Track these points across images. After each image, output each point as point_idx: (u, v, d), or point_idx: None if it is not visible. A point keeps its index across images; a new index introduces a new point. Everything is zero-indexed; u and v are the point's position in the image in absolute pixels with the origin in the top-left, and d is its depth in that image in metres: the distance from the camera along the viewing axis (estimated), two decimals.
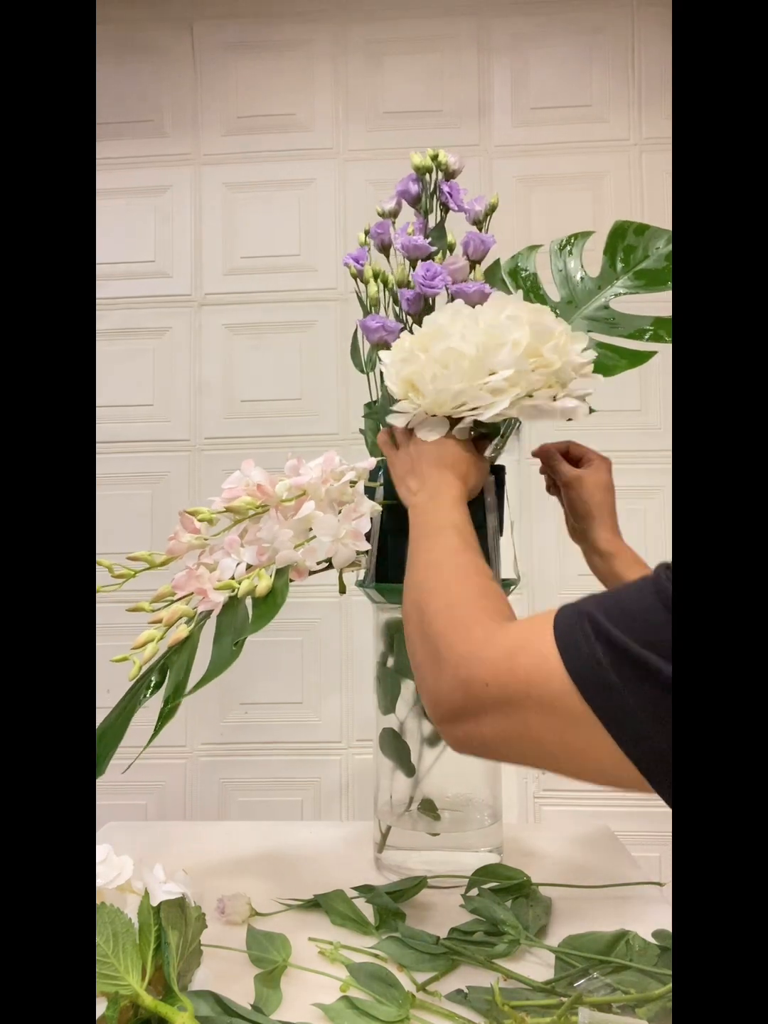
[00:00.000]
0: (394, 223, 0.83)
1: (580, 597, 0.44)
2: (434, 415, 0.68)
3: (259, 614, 0.64)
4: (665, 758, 0.37)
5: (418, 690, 0.54)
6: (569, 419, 0.69)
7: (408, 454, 0.70)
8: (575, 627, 0.42)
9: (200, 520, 0.69)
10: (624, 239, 0.81)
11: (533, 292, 0.82)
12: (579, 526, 0.77)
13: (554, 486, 0.80)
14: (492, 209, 0.81)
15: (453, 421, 0.68)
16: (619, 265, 0.81)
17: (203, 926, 0.59)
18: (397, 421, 0.71)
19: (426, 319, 0.71)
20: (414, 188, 0.82)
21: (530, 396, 0.67)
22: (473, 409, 0.66)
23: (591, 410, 0.70)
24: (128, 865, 0.57)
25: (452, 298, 0.78)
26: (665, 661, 0.37)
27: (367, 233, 0.82)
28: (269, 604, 0.64)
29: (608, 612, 0.41)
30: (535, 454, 0.80)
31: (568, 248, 0.83)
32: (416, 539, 0.62)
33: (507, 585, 0.78)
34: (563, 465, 0.77)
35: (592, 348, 0.73)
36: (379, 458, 0.79)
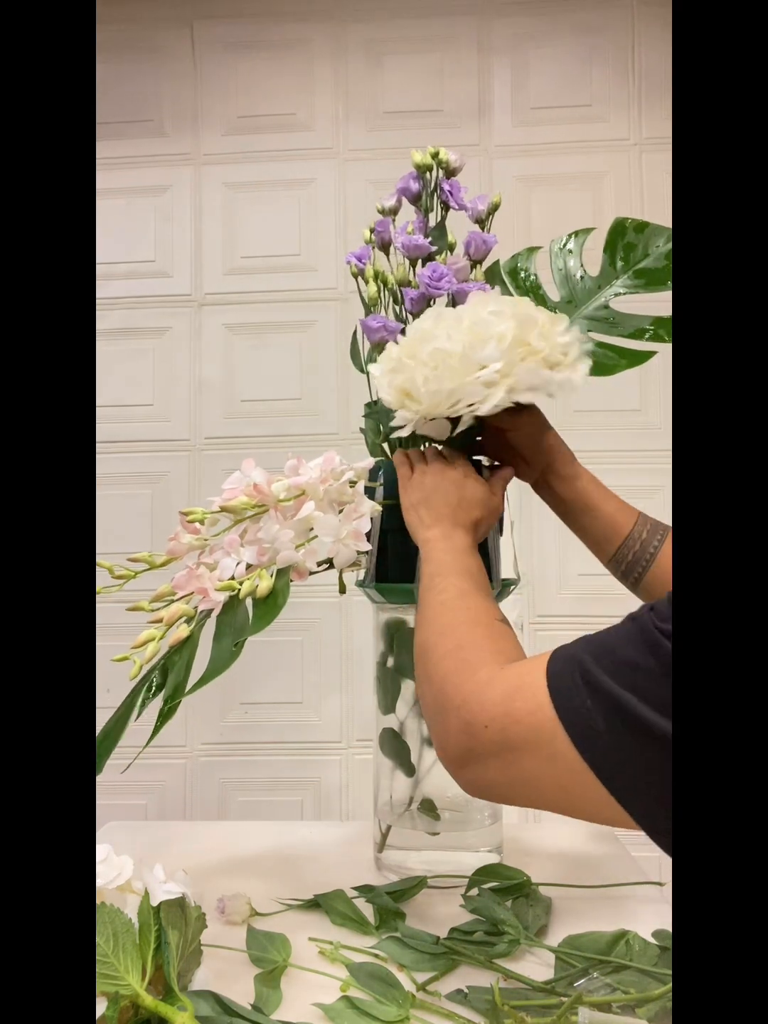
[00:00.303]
0: (394, 221, 0.83)
1: (575, 639, 0.45)
2: (433, 418, 0.68)
3: (260, 615, 0.64)
4: (655, 804, 0.37)
5: (429, 734, 0.54)
6: (567, 392, 0.68)
7: (424, 484, 0.68)
8: (566, 672, 0.42)
9: (191, 520, 0.69)
10: (624, 237, 0.81)
11: (533, 292, 0.82)
12: (535, 467, 0.75)
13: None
14: (495, 208, 0.81)
15: (454, 422, 0.68)
16: (619, 263, 0.81)
17: (203, 926, 0.59)
18: (401, 431, 0.71)
19: (410, 327, 0.71)
20: (414, 186, 0.82)
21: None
22: (470, 405, 0.66)
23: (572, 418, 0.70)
24: (128, 865, 0.58)
25: (452, 298, 0.78)
26: (648, 707, 0.37)
27: (372, 231, 0.82)
28: (270, 605, 0.64)
29: (597, 657, 0.41)
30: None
31: (568, 247, 0.83)
32: (428, 579, 0.61)
33: (507, 585, 0.78)
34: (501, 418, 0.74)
35: (591, 345, 0.73)
36: (379, 458, 0.79)
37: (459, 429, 0.69)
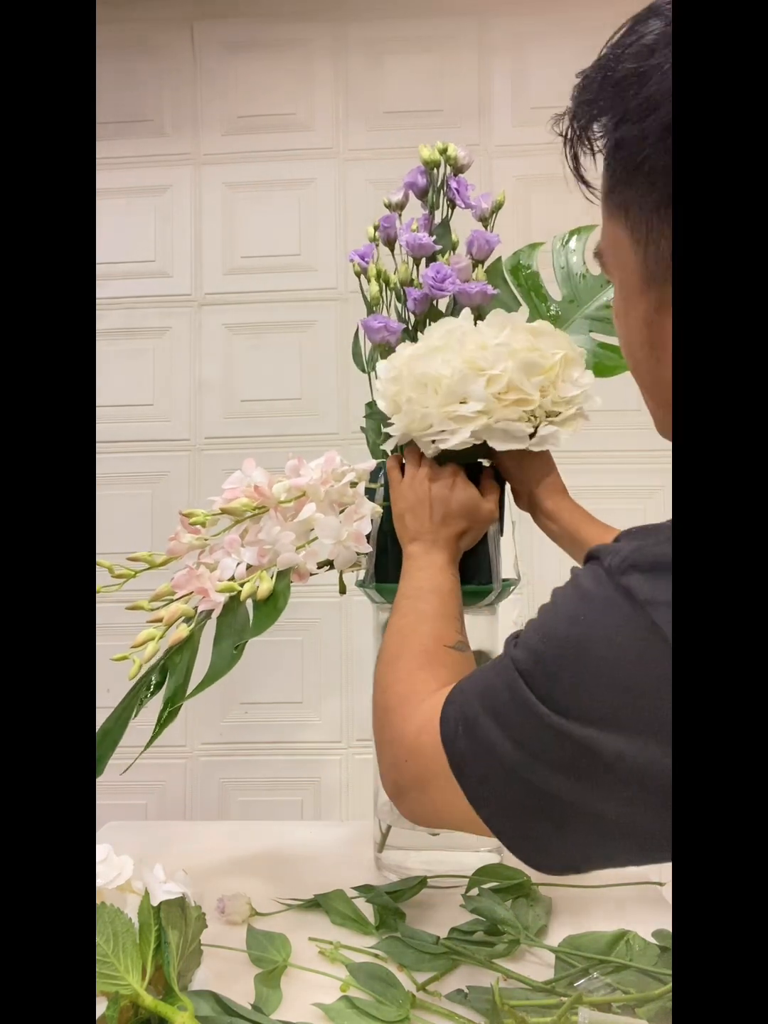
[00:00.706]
0: (401, 216, 0.82)
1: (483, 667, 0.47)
2: (411, 435, 0.68)
3: (260, 617, 0.63)
4: (501, 809, 0.42)
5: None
6: (547, 447, 0.69)
7: (413, 490, 0.68)
8: (450, 706, 0.46)
9: (194, 522, 0.69)
10: None
11: (534, 290, 0.82)
12: (520, 494, 0.75)
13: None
14: (498, 207, 0.81)
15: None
16: None
17: (203, 926, 0.59)
18: (387, 443, 0.71)
19: (423, 335, 0.71)
20: (422, 181, 0.82)
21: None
22: (440, 432, 0.66)
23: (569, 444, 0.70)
24: (128, 865, 0.58)
25: (454, 298, 0.78)
26: (496, 726, 0.41)
27: (376, 229, 0.82)
28: (270, 607, 0.64)
29: (477, 689, 0.45)
30: None
31: (570, 245, 0.83)
32: (399, 597, 0.63)
33: (507, 585, 0.78)
34: None
35: (593, 350, 0.73)
36: (379, 459, 0.79)
37: (430, 455, 0.69)
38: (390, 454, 0.76)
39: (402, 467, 0.72)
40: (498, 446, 0.67)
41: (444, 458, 0.70)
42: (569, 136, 0.47)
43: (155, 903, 0.54)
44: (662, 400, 0.47)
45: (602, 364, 0.75)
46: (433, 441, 0.67)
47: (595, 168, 0.47)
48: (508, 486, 0.76)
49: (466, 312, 0.72)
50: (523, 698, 0.40)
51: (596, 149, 0.46)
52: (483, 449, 0.70)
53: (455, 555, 0.66)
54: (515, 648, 0.43)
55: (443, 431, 0.65)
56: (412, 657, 0.56)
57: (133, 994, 0.50)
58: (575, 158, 0.47)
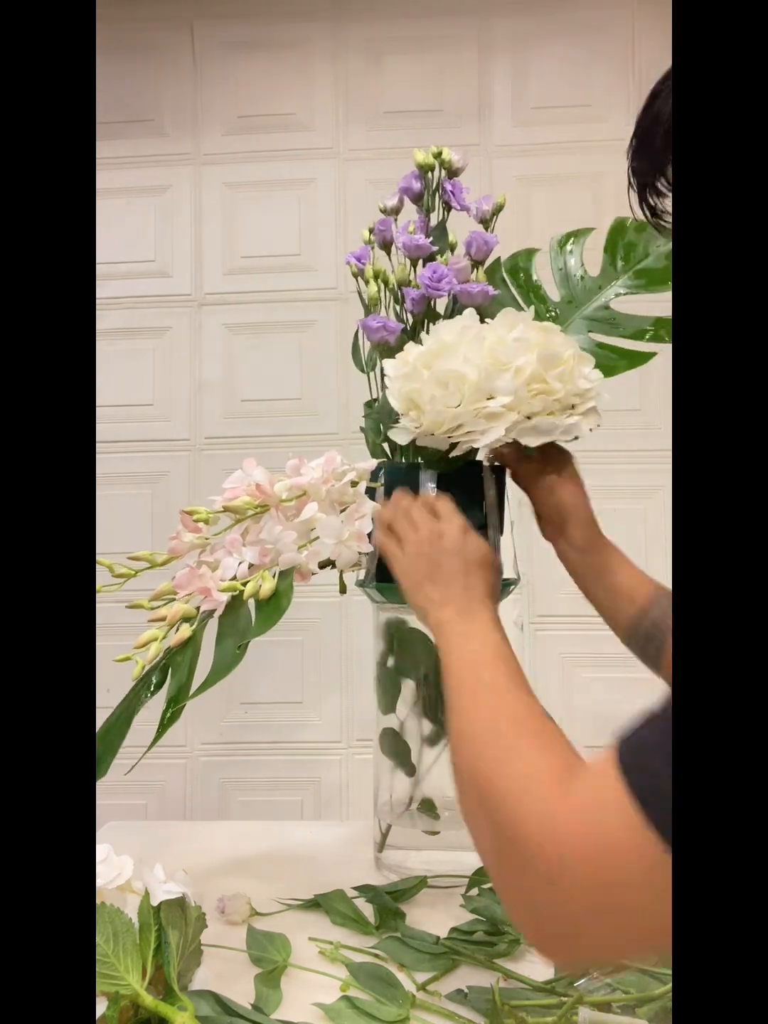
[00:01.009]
0: (396, 220, 0.83)
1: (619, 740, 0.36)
2: (433, 433, 0.68)
3: (263, 617, 0.64)
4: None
5: (502, 895, 0.42)
6: (574, 437, 0.68)
7: (422, 554, 0.60)
8: (641, 760, 0.34)
9: (197, 520, 0.69)
10: (624, 236, 0.81)
11: (533, 292, 0.82)
12: (552, 527, 0.71)
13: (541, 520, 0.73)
14: (499, 209, 0.81)
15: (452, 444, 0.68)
16: (619, 263, 0.80)
17: (203, 925, 0.59)
18: (399, 438, 0.70)
19: (433, 330, 0.71)
20: (416, 185, 0.82)
21: (529, 418, 0.66)
22: (468, 433, 0.66)
23: (589, 432, 0.70)
24: (128, 865, 0.58)
25: (454, 298, 0.78)
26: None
27: (371, 231, 0.82)
28: (273, 607, 0.64)
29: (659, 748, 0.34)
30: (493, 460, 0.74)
31: (568, 246, 0.83)
32: (456, 675, 0.51)
33: (507, 585, 0.78)
34: (521, 466, 0.71)
35: (592, 351, 0.72)
36: (380, 459, 0.79)
37: (455, 453, 0.69)
38: (375, 521, 0.69)
39: (397, 540, 0.64)
40: (530, 442, 0.66)
41: (453, 463, 0.70)
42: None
43: (155, 903, 0.54)
44: None
45: (602, 364, 0.75)
46: (459, 441, 0.67)
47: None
48: (533, 510, 0.73)
49: (471, 311, 0.72)
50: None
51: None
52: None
53: (495, 605, 0.57)
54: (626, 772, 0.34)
55: (472, 431, 0.65)
56: (512, 736, 0.44)
57: (133, 994, 0.50)
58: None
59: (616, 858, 0.33)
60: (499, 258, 0.84)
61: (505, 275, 0.83)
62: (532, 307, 0.79)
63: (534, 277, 0.83)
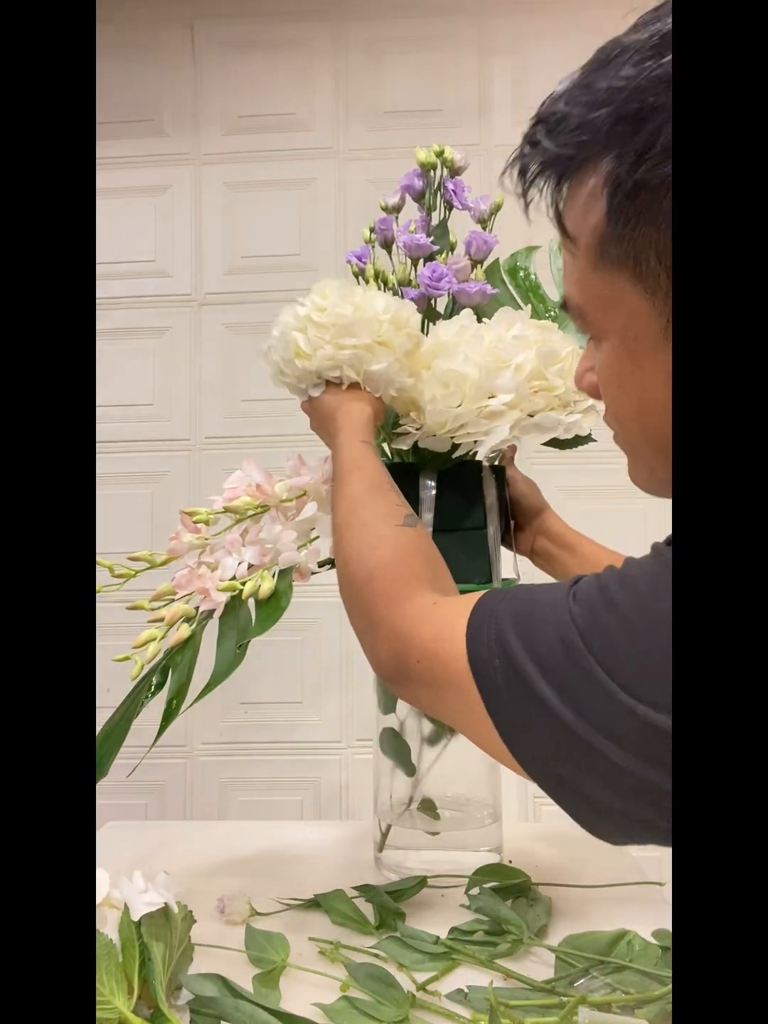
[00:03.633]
0: (397, 218, 0.82)
1: (511, 587, 0.48)
2: (435, 434, 0.68)
3: (263, 616, 0.64)
4: (549, 768, 0.41)
5: (358, 640, 0.56)
6: (574, 434, 0.69)
7: (312, 417, 0.71)
8: (483, 629, 0.44)
9: (197, 521, 0.69)
10: None
11: (532, 292, 0.82)
12: (523, 523, 0.79)
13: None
14: (497, 208, 0.81)
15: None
16: None
17: (192, 922, 0.58)
18: (400, 443, 0.73)
19: (431, 331, 0.71)
20: (418, 183, 0.82)
21: (531, 416, 0.67)
22: (472, 433, 0.66)
23: (590, 438, 0.70)
24: (104, 879, 0.56)
25: (453, 297, 0.78)
26: (547, 684, 0.39)
27: (372, 230, 0.82)
28: (273, 606, 0.64)
29: (516, 622, 0.43)
30: None
31: None
32: (333, 490, 0.63)
33: (507, 584, 0.78)
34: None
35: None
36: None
37: (457, 453, 0.69)
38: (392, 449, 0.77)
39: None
40: (534, 440, 0.68)
41: (445, 485, 0.72)
42: (533, 180, 0.43)
43: (136, 918, 0.53)
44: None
45: None
46: (461, 442, 0.68)
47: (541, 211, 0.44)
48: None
49: (468, 312, 0.72)
50: (581, 661, 0.38)
51: (566, 195, 0.42)
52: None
53: (355, 431, 0.65)
54: (574, 602, 0.41)
55: (475, 431, 0.65)
56: (379, 548, 0.55)
57: (120, 1017, 0.49)
58: (526, 197, 0.44)
59: (446, 673, 0.46)
60: (498, 259, 0.84)
61: (503, 276, 0.83)
62: (529, 306, 0.79)
63: (533, 276, 0.83)
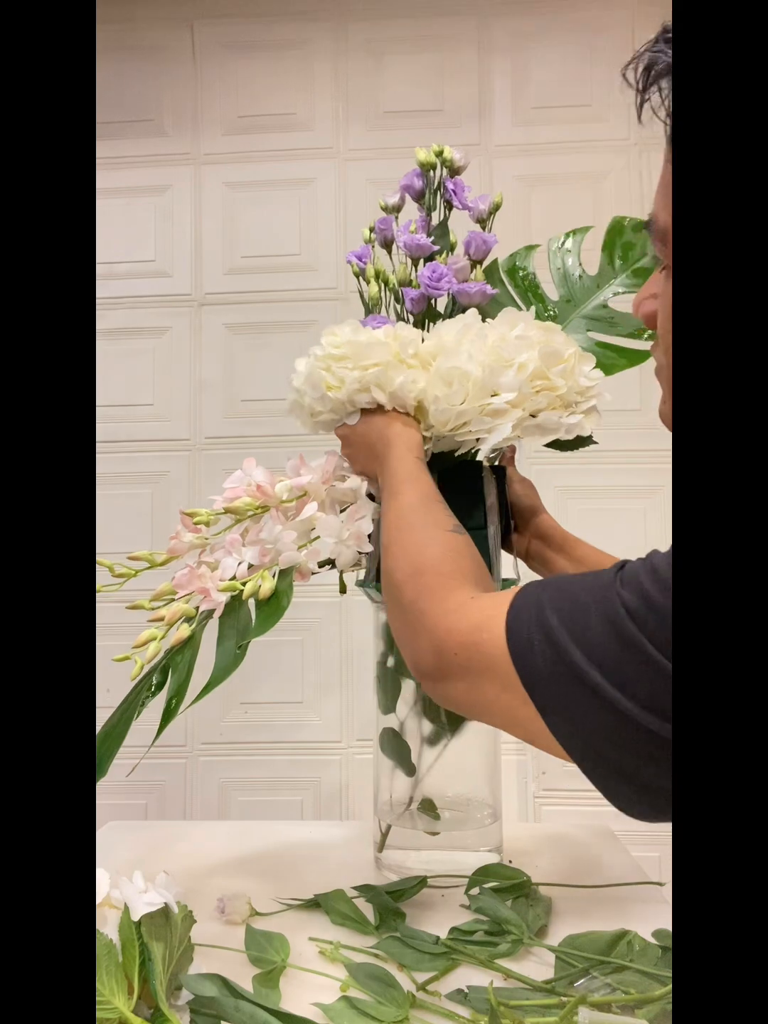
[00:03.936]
0: (397, 218, 0.82)
1: (545, 579, 0.49)
2: (439, 433, 0.69)
3: (264, 616, 0.63)
4: (590, 749, 0.41)
5: (397, 646, 0.58)
6: (576, 436, 0.69)
7: (350, 443, 0.72)
8: (526, 618, 0.45)
9: (197, 522, 0.69)
10: (622, 236, 0.81)
11: (531, 291, 0.82)
12: (520, 524, 0.80)
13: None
14: (496, 208, 0.81)
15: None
16: (617, 262, 0.80)
17: (192, 922, 0.58)
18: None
19: (433, 330, 0.71)
20: (418, 183, 0.82)
21: (533, 416, 0.67)
22: (474, 430, 0.66)
23: (591, 440, 0.70)
24: (104, 879, 0.56)
25: (453, 297, 0.78)
26: (592, 666, 0.40)
27: (372, 230, 0.82)
28: (273, 606, 0.64)
29: (557, 607, 0.44)
30: None
31: (566, 246, 0.83)
32: (384, 501, 0.64)
33: (507, 585, 0.78)
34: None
35: (591, 349, 0.73)
36: None
37: (460, 453, 0.69)
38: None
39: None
40: (536, 440, 0.68)
41: (445, 485, 0.71)
42: (658, 79, 0.44)
43: (136, 918, 0.53)
44: None
45: (602, 363, 0.75)
46: (464, 440, 0.68)
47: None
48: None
49: (473, 311, 0.72)
50: (633, 641, 0.39)
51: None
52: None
53: (405, 450, 0.66)
54: (622, 586, 0.41)
55: (477, 429, 0.66)
56: (425, 548, 0.57)
57: (120, 1017, 0.49)
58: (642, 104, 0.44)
59: (485, 662, 0.46)
60: (497, 259, 0.84)
61: (503, 276, 0.83)
62: (532, 307, 0.79)
63: (533, 275, 0.83)
